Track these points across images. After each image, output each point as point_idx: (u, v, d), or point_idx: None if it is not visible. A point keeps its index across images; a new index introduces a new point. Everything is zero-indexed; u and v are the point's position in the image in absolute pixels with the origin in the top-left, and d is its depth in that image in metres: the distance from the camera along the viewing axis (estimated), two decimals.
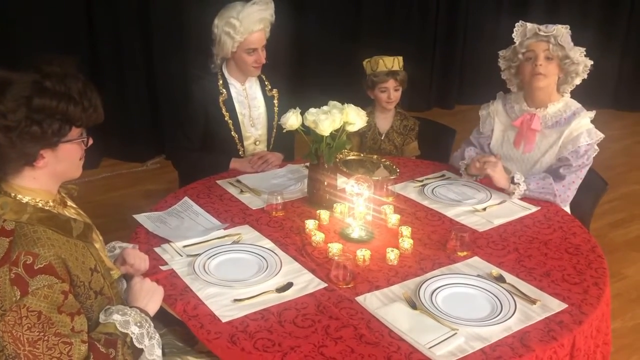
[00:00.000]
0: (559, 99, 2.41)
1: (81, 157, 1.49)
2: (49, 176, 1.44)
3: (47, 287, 1.30)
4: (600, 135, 2.35)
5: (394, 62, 2.82)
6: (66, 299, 1.33)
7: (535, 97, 2.43)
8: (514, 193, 2.28)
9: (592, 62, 2.36)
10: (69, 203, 1.57)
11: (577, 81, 2.39)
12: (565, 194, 2.30)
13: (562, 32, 2.30)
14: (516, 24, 2.39)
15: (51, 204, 1.46)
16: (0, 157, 1.36)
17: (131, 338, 1.42)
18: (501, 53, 2.52)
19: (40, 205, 1.42)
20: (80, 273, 1.41)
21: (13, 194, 1.41)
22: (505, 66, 2.51)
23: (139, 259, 1.72)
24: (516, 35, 2.39)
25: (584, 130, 2.33)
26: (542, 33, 2.31)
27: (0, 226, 1.37)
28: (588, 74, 2.38)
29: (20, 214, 1.38)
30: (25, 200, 1.41)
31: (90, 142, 1.49)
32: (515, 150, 2.49)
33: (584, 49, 2.35)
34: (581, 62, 2.34)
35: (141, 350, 1.43)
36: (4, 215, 1.38)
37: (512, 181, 2.30)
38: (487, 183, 2.42)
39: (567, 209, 2.36)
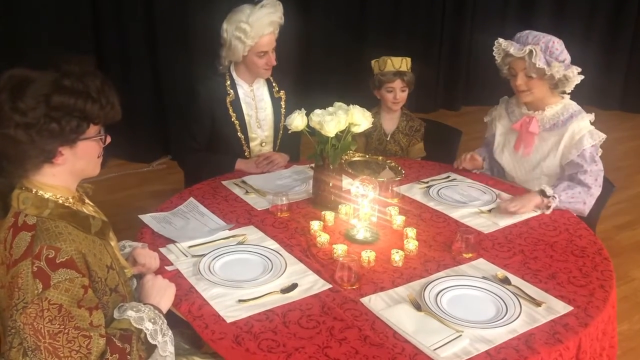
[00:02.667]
0: (557, 101, 2.40)
1: (99, 155, 1.51)
2: (68, 173, 1.46)
3: (69, 280, 1.32)
4: (602, 136, 2.34)
5: (402, 63, 2.82)
6: (86, 293, 1.35)
7: (528, 104, 2.42)
8: (549, 207, 2.19)
9: (579, 70, 2.30)
10: (87, 201, 1.58)
11: (572, 85, 2.35)
12: (590, 203, 2.29)
13: (535, 51, 2.24)
14: (495, 42, 2.36)
15: (71, 200, 1.47)
16: (20, 154, 1.38)
17: (145, 334, 1.43)
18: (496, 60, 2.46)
19: (60, 201, 1.44)
20: (98, 269, 1.43)
21: (34, 190, 1.43)
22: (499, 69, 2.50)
23: (149, 258, 1.74)
24: (496, 53, 2.38)
25: (585, 133, 2.32)
26: (515, 54, 2.28)
27: (22, 221, 1.39)
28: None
29: (42, 209, 1.40)
30: (46, 196, 1.43)
31: (109, 140, 1.51)
32: (515, 153, 2.48)
33: (563, 63, 2.27)
34: (564, 75, 2.28)
35: (154, 347, 1.45)
36: (26, 210, 1.40)
37: (545, 194, 2.20)
38: (493, 185, 2.42)
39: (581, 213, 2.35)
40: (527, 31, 2.34)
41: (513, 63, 2.34)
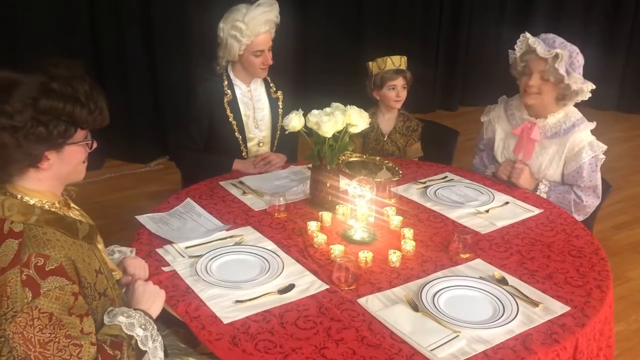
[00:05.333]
0: (559, 109, 2.39)
1: (84, 160, 1.50)
2: (53, 178, 1.44)
3: (59, 288, 1.31)
4: (602, 147, 2.34)
5: (401, 61, 2.85)
6: (76, 300, 1.34)
7: (530, 109, 2.42)
8: (538, 188, 2.39)
9: (593, 87, 2.30)
10: (72, 205, 1.57)
11: (577, 100, 2.35)
12: (584, 211, 2.38)
13: (562, 56, 2.21)
14: (521, 35, 2.32)
15: (57, 205, 1.46)
16: (5, 158, 1.36)
17: (136, 340, 1.42)
18: (511, 52, 2.44)
19: (46, 207, 1.43)
20: (87, 274, 1.42)
21: (19, 196, 1.41)
22: (511, 65, 2.47)
23: (139, 269, 1.72)
24: (518, 47, 2.33)
25: (585, 144, 2.33)
26: (540, 54, 2.24)
27: (8, 228, 1.37)
28: (593, 76, 2.37)
29: (28, 215, 1.38)
30: (32, 202, 1.41)
31: (95, 145, 1.50)
32: (514, 157, 2.48)
33: (582, 78, 2.29)
34: (578, 89, 2.28)
35: (144, 353, 1.44)
36: (12, 217, 1.38)
37: (536, 190, 2.38)
38: (490, 185, 2.42)
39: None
40: (551, 34, 2.30)
41: (532, 62, 2.29)
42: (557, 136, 2.38)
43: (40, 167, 1.40)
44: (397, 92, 2.84)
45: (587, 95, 2.32)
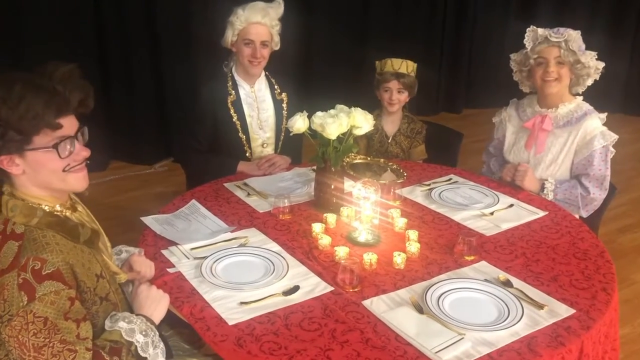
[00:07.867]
0: (571, 100, 2.44)
1: (65, 169, 1.40)
2: (33, 185, 1.41)
3: (54, 293, 1.31)
4: (614, 137, 2.38)
5: (402, 65, 2.82)
6: (72, 305, 1.34)
7: (547, 100, 2.45)
8: (544, 188, 2.39)
9: (603, 64, 2.37)
10: (80, 208, 1.57)
11: (589, 82, 2.42)
12: (592, 205, 2.39)
13: (573, 37, 2.31)
14: (527, 29, 2.39)
15: (59, 208, 1.46)
16: None
17: (136, 347, 1.42)
18: (512, 56, 2.53)
19: (47, 209, 1.43)
20: (86, 279, 1.41)
21: (22, 198, 1.42)
22: (516, 69, 2.52)
23: (145, 267, 1.72)
24: (527, 40, 2.39)
25: (597, 133, 2.36)
26: (553, 39, 2.32)
27: (10, 229, 1.38)
28: (598, 77, 2.41)
29: (30, 217, 1.39)
30: (35, 204, 1.41)
31: (68, 152, 1.39)
32: (526, 152, 2.49)
33: (595, 53, 2.38)
34: (592, 66, 2.36)
35: (145, 359, 1.43)
36: (14, 218, 1.39)
37: (542, 189, 2.39)
38: (495, 187, 2.42)
39: (576, 214, 2.36)
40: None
41: (545, 51, 2.36)
42: (569, 124, 2.41)
43: (11, 172, 1.38)
44: (390, 94, 2.84)
45: (597, 75, 2.39)
